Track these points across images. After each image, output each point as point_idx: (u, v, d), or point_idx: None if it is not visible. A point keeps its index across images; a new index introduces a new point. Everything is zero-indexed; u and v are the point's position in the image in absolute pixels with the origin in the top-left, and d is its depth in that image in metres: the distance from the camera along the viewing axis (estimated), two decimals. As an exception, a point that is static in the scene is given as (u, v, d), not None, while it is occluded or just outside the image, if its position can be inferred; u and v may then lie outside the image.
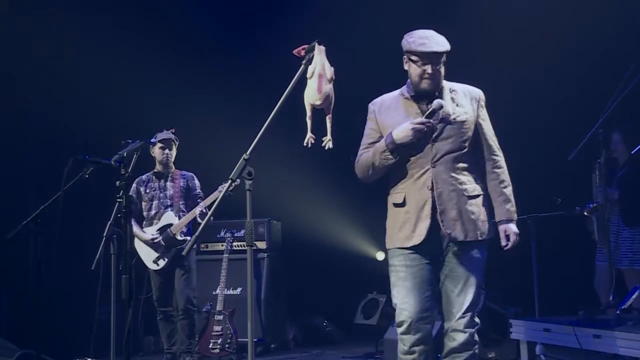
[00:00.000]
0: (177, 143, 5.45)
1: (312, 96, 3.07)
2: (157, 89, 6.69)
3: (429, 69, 3.15)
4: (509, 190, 3.27)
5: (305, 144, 3.10)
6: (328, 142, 3.12)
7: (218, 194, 5.10)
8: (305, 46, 3.07)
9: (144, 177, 5.49)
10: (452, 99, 3.25)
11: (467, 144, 3.22)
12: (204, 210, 5.21)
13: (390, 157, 3.19)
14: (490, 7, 6.21)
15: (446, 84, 3.29)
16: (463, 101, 3.27)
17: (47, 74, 6.24)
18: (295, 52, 3.09)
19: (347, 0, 6.71)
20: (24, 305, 5.46)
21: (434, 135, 3.18)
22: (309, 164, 5.93)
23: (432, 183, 3.17)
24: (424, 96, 3.22)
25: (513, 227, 3.23)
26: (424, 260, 3.19)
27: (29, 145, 6.50)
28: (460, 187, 3.17)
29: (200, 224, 5.11)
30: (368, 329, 6.30)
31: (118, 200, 3.50)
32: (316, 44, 3.06)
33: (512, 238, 3.22)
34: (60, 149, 5.20)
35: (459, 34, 6.28)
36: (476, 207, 3.20)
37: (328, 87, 3.08)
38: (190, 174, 5.51)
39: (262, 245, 6.59)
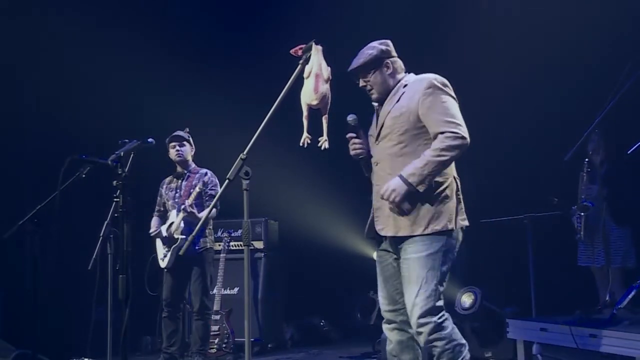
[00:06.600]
0: (190, 139, 5.42)
1: (308, 96, 3.08)
2: (157, 89, 6.67)
3: (360, 84, 3.27)
4: (431, 154, 3.01)
5: (301, 144, 3.11)
6: (324, 143, 3.14)
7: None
8: (303, 46, 3.08)
9: (167, 178, 5.52)
10: (399, 98, 3.18)
11: (404, 138, 3.13)
12: (187, 210, 5.14)
13: (365, 172, 3.37)
14: (489, 7, 6.22)
15: (403, 82, 3.23)
16: (408, 95, 3.17)
17: (45, 73, 6.23)
18: (292, 51, 3.09)
19: (346, 0, 6.70)
20: (21, 304, 5.45)
21: (377, 139, 3.23)
22: (306, 163, 5.92)
23: (374, 182, 3.27)
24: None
25: (392, 182, 3.05)
26: (390, 256, 3.25)
27: (26, 145, 6.49)
28: None
29: (207, 221, 5.17)
30: (365, 329, 6.30)
31: (115, 200, 3.51)
32: (313, 43, 3.07)
33: (385, 192, 3.07)
34: (58, 149, 5.18)
35: (457, 34, 6.36)
36: (413, 202, 3.08)
37: (325, 87, 3.08)
38: (204, 170, 5.42)
39: (259, 245, 6.59)
